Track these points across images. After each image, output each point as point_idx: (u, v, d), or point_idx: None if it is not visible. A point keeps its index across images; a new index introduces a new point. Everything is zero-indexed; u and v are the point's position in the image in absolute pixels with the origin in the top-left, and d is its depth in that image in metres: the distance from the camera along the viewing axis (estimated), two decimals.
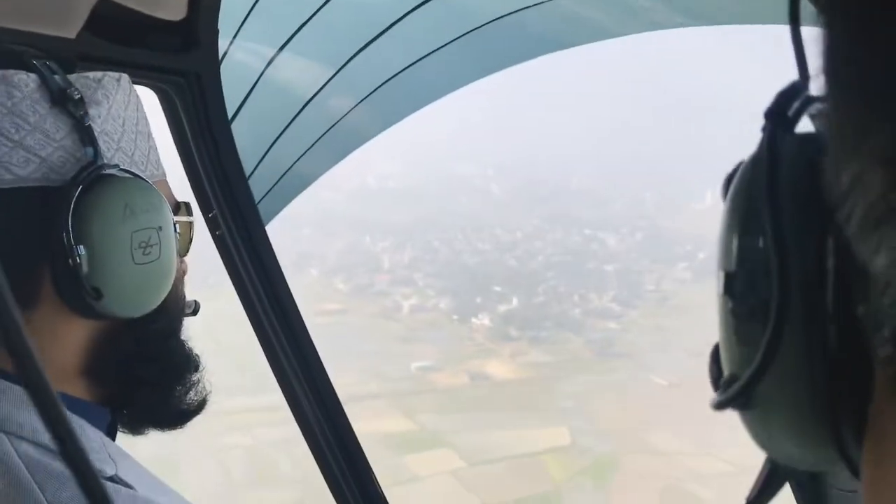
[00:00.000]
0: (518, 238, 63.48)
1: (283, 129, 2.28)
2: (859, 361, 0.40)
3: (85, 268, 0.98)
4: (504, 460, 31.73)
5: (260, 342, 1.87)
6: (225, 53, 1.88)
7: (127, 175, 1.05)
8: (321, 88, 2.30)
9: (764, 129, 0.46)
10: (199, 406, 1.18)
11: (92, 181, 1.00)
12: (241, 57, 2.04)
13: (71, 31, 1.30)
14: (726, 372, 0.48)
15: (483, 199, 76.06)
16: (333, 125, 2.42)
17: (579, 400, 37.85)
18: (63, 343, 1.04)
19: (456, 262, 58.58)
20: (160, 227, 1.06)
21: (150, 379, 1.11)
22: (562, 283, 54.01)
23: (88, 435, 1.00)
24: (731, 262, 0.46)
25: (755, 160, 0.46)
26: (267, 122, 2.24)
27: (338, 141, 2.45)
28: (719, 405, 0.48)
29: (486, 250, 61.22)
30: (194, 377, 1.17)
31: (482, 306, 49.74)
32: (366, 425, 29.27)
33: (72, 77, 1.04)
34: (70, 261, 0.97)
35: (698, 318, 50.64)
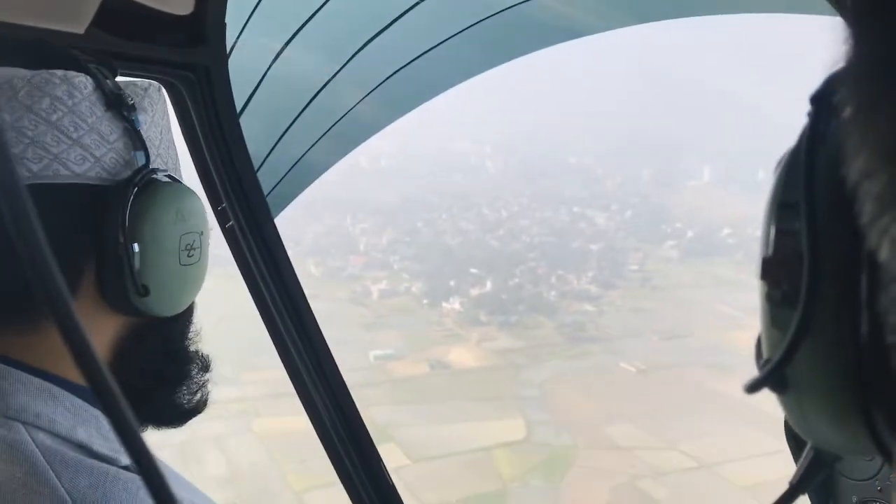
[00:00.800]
0: (503, 217, 61.51)
1: (291, 121, 2.30)
2: (885, 350, 0.39)
3: (136, 266, 1.02)
4: (451, 456, 29.96)
5: (270, 334, 1.89)
6: (233, 47, 1.90)
7: (172, 180, 1.10)
8: (329, 81, 2.30)
9: (808, 115, 0.44)
10: (202, 406, 1.19)
11: (145, 184, 1.04)
12: (249, 50, 2.04)
13: (80, 27, 1.29)
14: (765, 356, 0.48)
15: (477, 176, 74.13)
16: (342, 117, 2.44)
17: (541, 388, 36.10)
18: (95, 338, 1.00)
19: (436, 243, 56.72)
20: (202, 232, 1.12)
21: (170, 377, 1.14)
22: (542, 265, 52.03)
23: (104, 426, 1.01)
24: (768, 246, 0.46)
25: (794, 146, 0.45)
26: (275, 115, 2.25)
27: (346, 132, 2.49)
28: (752, 387, 0.47)
29: (469, 230, 59.29)
30: (204, 377, 1.18)
31: (455, 290, 47.81)
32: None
33: (121, 82, 1.08)
34: (123, 258, 1.01)
35: (679, 299, 48.86)
